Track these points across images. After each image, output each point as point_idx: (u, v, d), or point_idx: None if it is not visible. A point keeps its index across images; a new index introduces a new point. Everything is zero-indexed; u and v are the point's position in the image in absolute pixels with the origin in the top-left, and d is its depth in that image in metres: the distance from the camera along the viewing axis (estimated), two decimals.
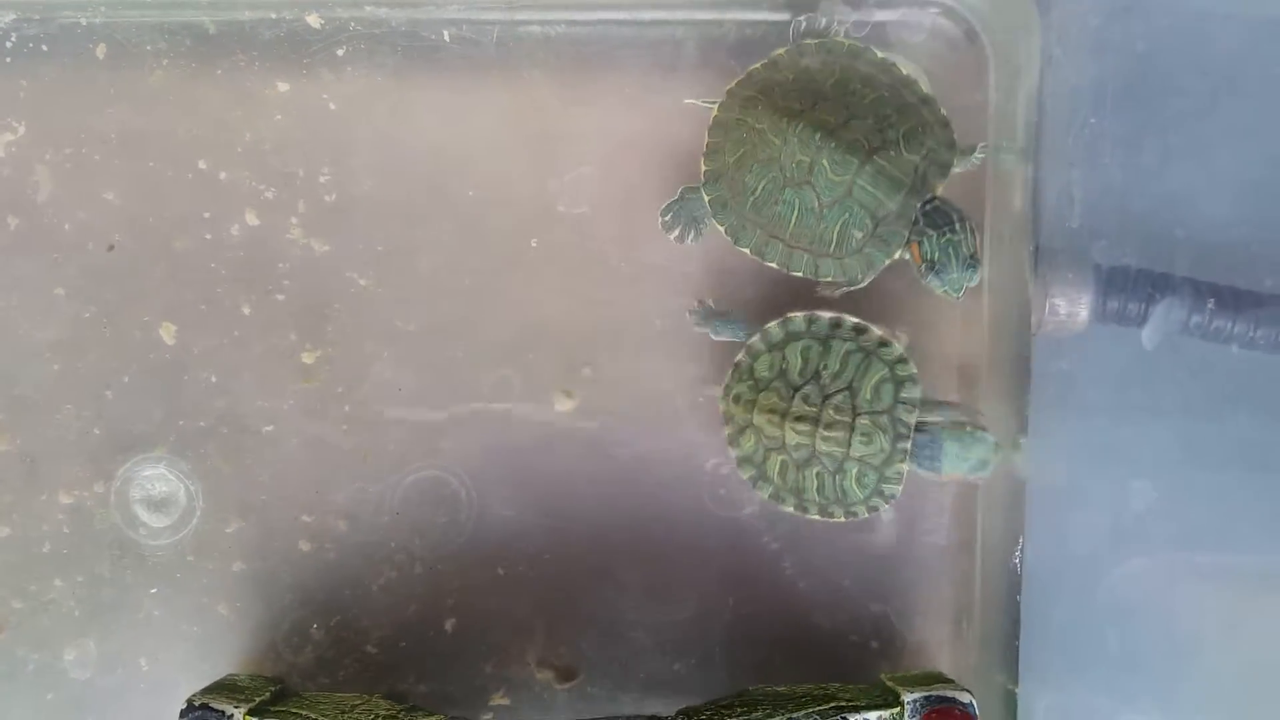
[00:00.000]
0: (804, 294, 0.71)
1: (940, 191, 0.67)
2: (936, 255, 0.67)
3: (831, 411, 0.68)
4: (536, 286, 0.74)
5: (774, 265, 0.69)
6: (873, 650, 0.75)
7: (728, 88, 0.69)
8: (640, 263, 0.74)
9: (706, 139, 0.69)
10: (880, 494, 0.69)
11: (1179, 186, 0.74)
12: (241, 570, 0.74)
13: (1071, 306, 0.71)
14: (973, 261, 0.67)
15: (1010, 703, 0.72)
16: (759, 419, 0.69)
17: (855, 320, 0.69)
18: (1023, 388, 0.73)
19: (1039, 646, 0.73)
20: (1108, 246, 0.73)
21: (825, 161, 0.66)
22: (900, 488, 0.69)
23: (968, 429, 0.68)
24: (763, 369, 0.70)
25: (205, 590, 0.74)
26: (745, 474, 0.71)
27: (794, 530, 0.74)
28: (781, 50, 0.69)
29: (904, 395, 0.68)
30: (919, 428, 0.68)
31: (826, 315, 0.69)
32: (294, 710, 0.67)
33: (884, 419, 0.68)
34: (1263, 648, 0.75)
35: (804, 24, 0.71)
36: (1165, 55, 0.74)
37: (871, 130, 0.66)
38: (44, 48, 0.73)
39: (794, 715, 0.66)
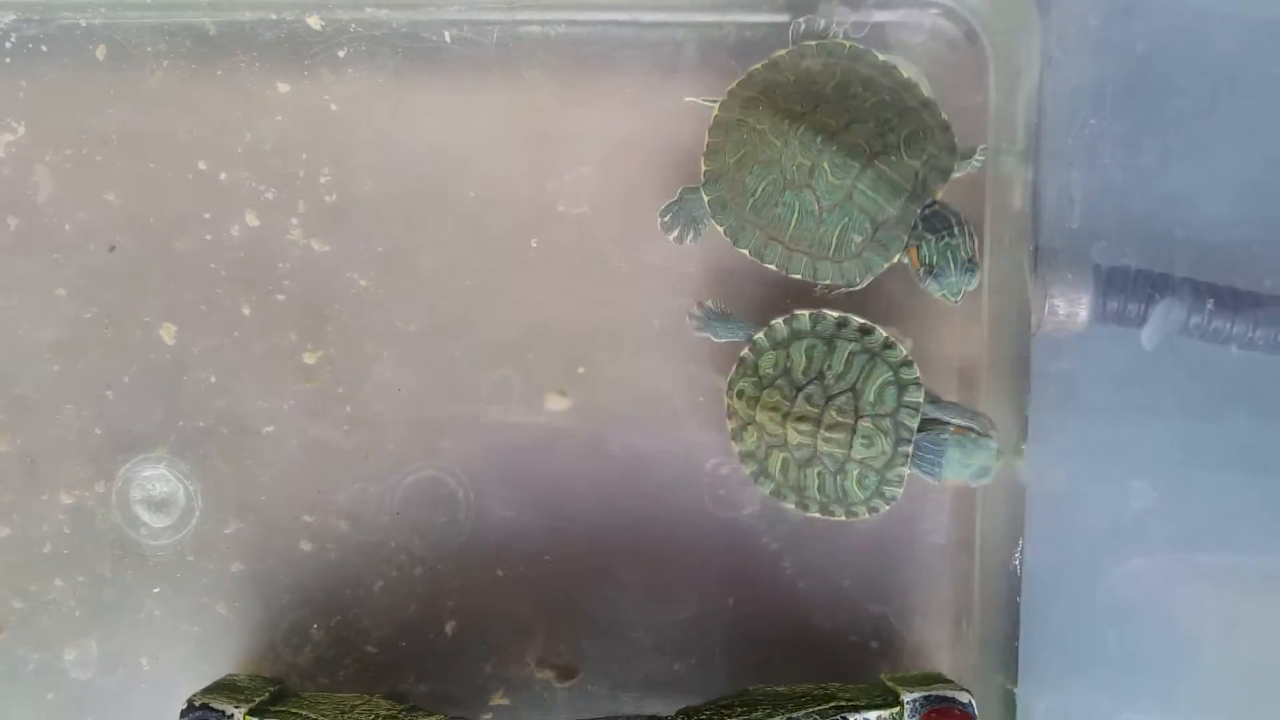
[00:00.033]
0: (804, 294, 0.71)
1: (940, 196, 0.67)
2: (935, 259, 0.67)
3: (834, 413, 0.68)
4: (537, 287, 0.74)
5: (772, 267, 0.69)
6: (872, 650, 0.75)
7: (729, 88, 0.69)
8: (640, 263, 0.74)
9: (707, 139, 0.69)
10: (881, 496, 0.69)
11: (1179, 187, 0.74)
12: (241, 570, 0.74)
13: (1071, 307, 0.71)
14: (971, 265, 0.67)
15: (1010, 703, 0.72)
16: (761, 416, 0.69)
17: (861, 321, 0.69)
18: (1022, 388, 0.73)
19: (1039, 647, 0.73)
20: (1107, 247, 0.73)
21: (826, 165, 0.66)
22: (900, 491, 0.69)
23: (971, 435, 0.68)
24: (767, 366, 0.70)
25: (205, 590, 0.74)
26: (747, 469, 0.71)
27: (794, 530, 0.75)
28: (783, 51, 0.69)
29: (907, 399, 0.68)
30: (922, 431, 0.68)
31: (833, 315, 0.69)
32: (294, 710, 0.67)
33: (886, 422, 0.68)
34: (1263, 648, 0.75)
35: (803, 25, 0.71)
36: (1165, 56, 0.74)
37: (873, 134, 0.66)
38: (44, 48, 0.73)
39: (794, 715, 0.66)
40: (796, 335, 0.70)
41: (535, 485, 0.75)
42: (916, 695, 0.66)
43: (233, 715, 0.65)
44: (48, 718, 0.75)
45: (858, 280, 0.69)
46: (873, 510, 0.69)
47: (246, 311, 0.74)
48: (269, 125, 0.74)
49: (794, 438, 0.68)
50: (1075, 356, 0.74)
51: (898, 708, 0.66)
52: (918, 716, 0.65)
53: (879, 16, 0.73)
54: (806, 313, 0.69)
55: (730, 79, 0.70)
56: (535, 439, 0.74)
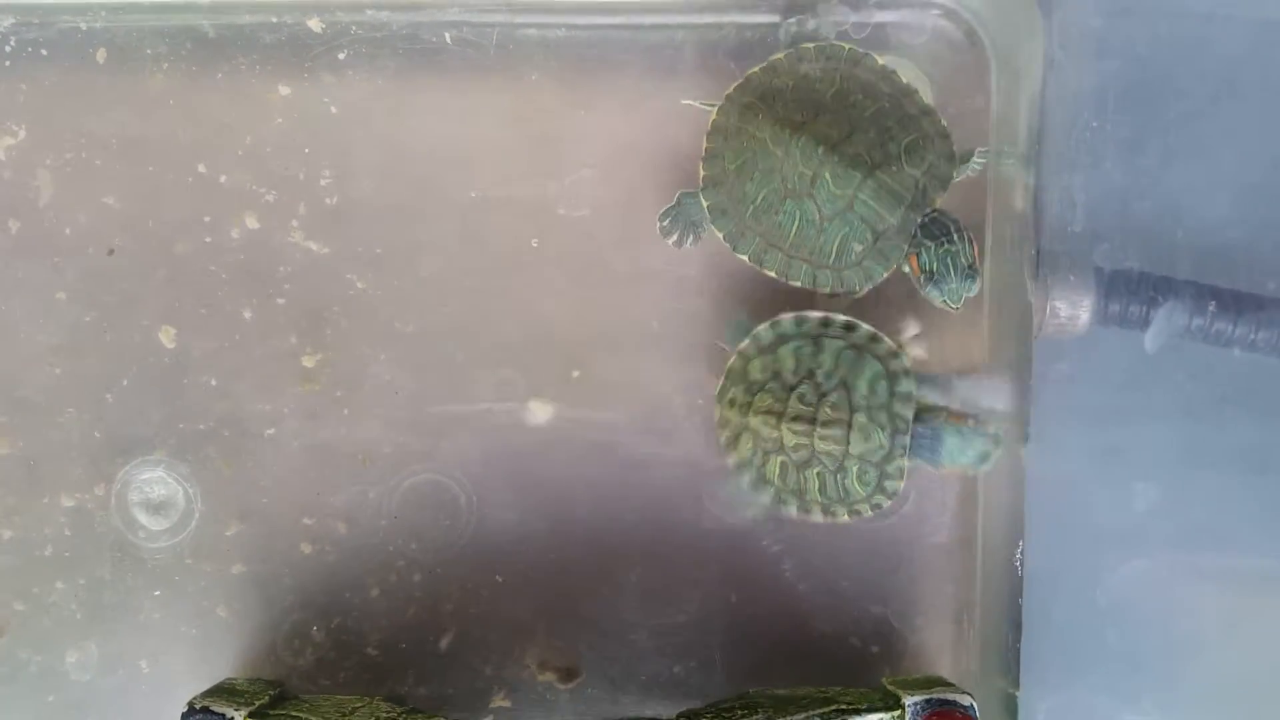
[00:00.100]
0: (804, 296, 0.71)
1: (939, 203, 0.67)
2: (935, 266, 0.67)
3: (828, 410, 0.68)
4: (537, 289, 0.74)
5: (772, 274, 0.69)
6: (873, 653, 0.74)
7: (726, 92, 0.69)
8: (641, 265, 0.74)
9: (705, 144, 0.69)
10: (883, 491, 0.69)
11: (1181, 189, 0.74)
12: (241, 573, 0.74)
13: (1072, 309, 0.71)
14: (971, 272, 0.67)
15: (1011, 706, 0.72)
16: (755, 421, 0.69)
17: (845, 318, 0.69)
18: (1024, 390, 0.73)
19: (1040, 649, 0.73)
20: (1109, 250, 0.73)
21: (828, 175, 0.66)
22: (902, 483, 0.68)
23: (969, 421, 0.68)
24: (756, 372, 0.70)
25: (205, 593, 0.74)
26: (745, 479, 0.71)
27: (794, 532, 0.74)
28: (780, 55, 0.69)
29: (899, 389, 0.68)
30: (918, 419, 0.68)
31: (815, 315, 0.69)
32: (294, 713, 0.67)
33: (881, 415, 0.68)
34: (1264, 649, 0.75)
35: (793, 27, 0.71)
36: (1166, 58, 0.74)
37: (874, 144, 0.66)
38: (44, 52, 0.73)
39: (795, 718, 0.66)
40: (782, 339, 0.70)
41: (535, 488, 0.74)
42: (918, 698, 0.66)
43: (233, 718, 0.65)
44: None
45: (857, 289, 0.69)
46: (876, 507, 0.69)
47: (246, 314, 0.74)
48: (269, 128, 0.74)
49: (790, 439, 0.68)
50: (1077, 358, 0.74)
51: (899, 711, 0.66)
52: None
53: (880, 17, 0.73)
54: (789, 316, 0.69)
55: (729, 81, 0.70)
56: (535, 441, 0.74)
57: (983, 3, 0.73)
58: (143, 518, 0.74)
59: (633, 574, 0.74)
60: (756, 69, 0.69)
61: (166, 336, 0.74)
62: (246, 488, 0.74)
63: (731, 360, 0.70)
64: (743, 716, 0.67)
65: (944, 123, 0.68)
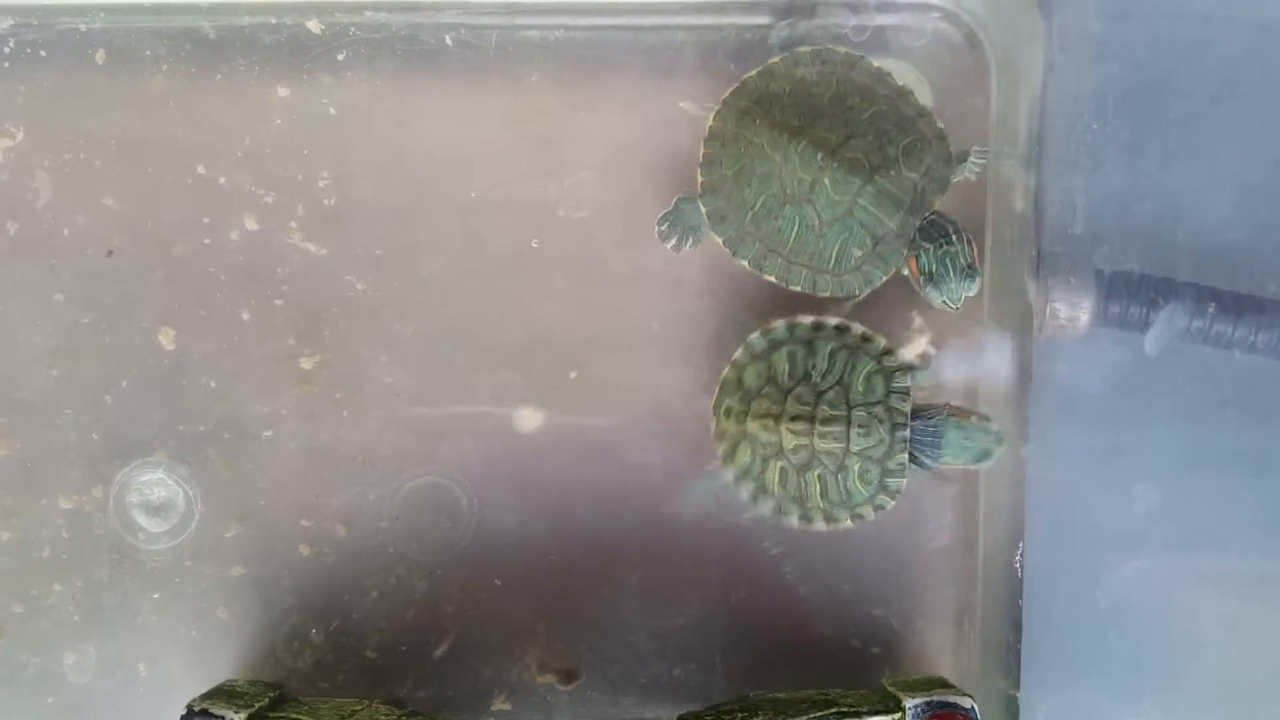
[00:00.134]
0: (801, 298, 0.71)
1: (937, 205, 0.67)
2: (934, 268, 0.67)
3: (826, 408, 0.68)
4: (537, 291, 0.74)
5: (772, 279, 0.69)
6: (874, 655, 0.74)
7: (723, 97, 0.69)
8: (640, 267, 0.74)
9: (703, 149, 0.69)
10: (885, 490, 0.68)
11: (1181, 191, 0.74)
12: (240, 575, 0.74)
13: (1072, 311, 0.71)
14: (970, 272, 0.67)
15: (1012, 708, 0.72)
16: (753, 426, 0.68)
17: (837, 321, 0.69)
18: (1024, 392, 0.73)
19: (1041, 650, 0.73)
20: (1110, 251, 0.73)
21: (827, 181, 0.66)
22: (904, 481, 0.68)
23: (971, 418, 0.68)
24: (750, 379, 0.69)
25: (204, 595, 0.74)
26: (744, 491, 0.70)
27: (794, 535, 0.74)
28: (776, 59, 0.69)
29: (895, 385, 0.68)
30: (918, 416, 0.68)
31: (807, 319, 0.69)
32: (293, 716, 0.67)
33: (879, 409, 0.68)
34: (1264, 650, 0.75)
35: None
36: (1166, 59, 0.74)
37: (872, 148, 0.66)
38: (43, 53, 0.73)
39: None
40: (774, 345, 0.70)
41: (535, 489, 0.74)
42: (919, 701, 0.66)
43: None
44: None
45: (857, 293, 0.69)
46: (878, 509, 0.69)
47: (245, 316, 0.74)
48: (268, 129, 0.74)
49: (790, 441, 0.68)
50: (1077, 360, 0.74)
51: (900, 713, 0.66)
52: None
53: (880, 20, 0.73)
54: (780, 322, 0.69)
55: (730, 83, 0.70)
56: (535, 443, 0.74)
57: (983, 6, 0.73)
58: (141, 520, 0.74)
59: (633, 576, 0.74)
60: (753, 73, 0.69)
61: (165, 338, 0.74)
62: (246, 490, 0.74)
63: (725, 372, 0.70)
64: (743, 719, 0.67)
65: (940, 124, 0.68)
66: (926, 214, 0.67)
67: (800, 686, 0.72)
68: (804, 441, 0.68)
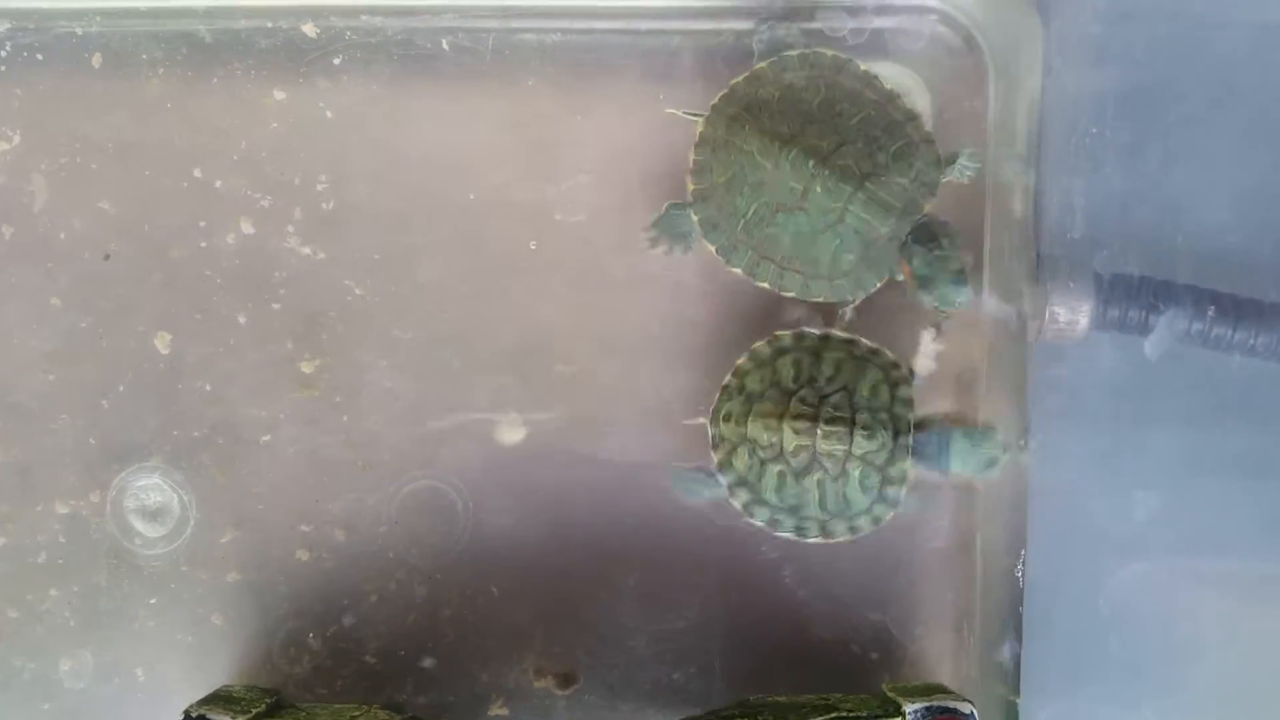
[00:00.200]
0: (800, 300, 0.71)
1: (928, 209, 0.67)
2: (926, 271, 0.67)
3: (830, 409, 0.67)
4: (534, 294, 0.74)
5: (765, 285, 0.69)
6: (873, 660, 0.74)
7: (711, 103, 0.69)
8: (638, 270, 0.74)
9: (692, 156, 0.69)
10: (884, 499, 0.68)
11: (1180, 194, 0.74)
12: (237, 580, 0.74)
13: (1072, 315, 0.71)
14: (960, 276, 0.67)
15: (1012, 714, 0.72)
16: (754, 428, 0.68)
17: (845, 335, 0.69)
18: (1022, 395, 0.73)
19: (1041, 654, 0.73)
20: (1109, 255, 0.73)
21: (818, 189, 0.66)
22: (905, 489, 0.68)
23: (977, 426, 0.68)
24: (753, 384, 0.69)
25: (200, 600, 0.74)
26: (739, 501, 0.70)
27: (794, 538, 0.74)
28: (764, 64, 0.69)
29: (900, 394, 0.68)
30: (922, 425, 0.68)
31: (815, 331, 0.69)
32: None
33: (884, 415, 0.68)
34: (1265, 655, 0.75)
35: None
36: (1165, 62, 0.74)
37: (862, 155, 0.66)
38: (39, 56, 0.73)
39: None
40: (780, 353, 0.69)
41: (533, 494, 0.74)
42: (918, 706, 0.66)
43: None
44: None
45: (850, 298, 0.69)
46: (875, 520, 0.69)
47: (242, 320, 0.74)
48: (265, 133, 0.74)
49: (791, 441, 0.67)
50: (1076, 364, 0.74)
51: (899, 718, 0.65)
52: None
53: (878, 23, 0.73)
54: (788, 333, 0.70)
55: (724, 88, 0.69)
56: (533, 447, 0.74)
57: (981, 9, 0.73)
58: (138, 525, 0.74)
59: (631, 579, 0.74)
60: (740, 79, 0.69)
61: (162, 342, 0.74)
62: (242, 494, 0.74)
63: (727, 379, 0.70)
64: None
65: (928, 128, 0.68)
66: (917, 218, 0.67)
67: (800, 691, 0.72)
68: (806, 442, 0.67)
